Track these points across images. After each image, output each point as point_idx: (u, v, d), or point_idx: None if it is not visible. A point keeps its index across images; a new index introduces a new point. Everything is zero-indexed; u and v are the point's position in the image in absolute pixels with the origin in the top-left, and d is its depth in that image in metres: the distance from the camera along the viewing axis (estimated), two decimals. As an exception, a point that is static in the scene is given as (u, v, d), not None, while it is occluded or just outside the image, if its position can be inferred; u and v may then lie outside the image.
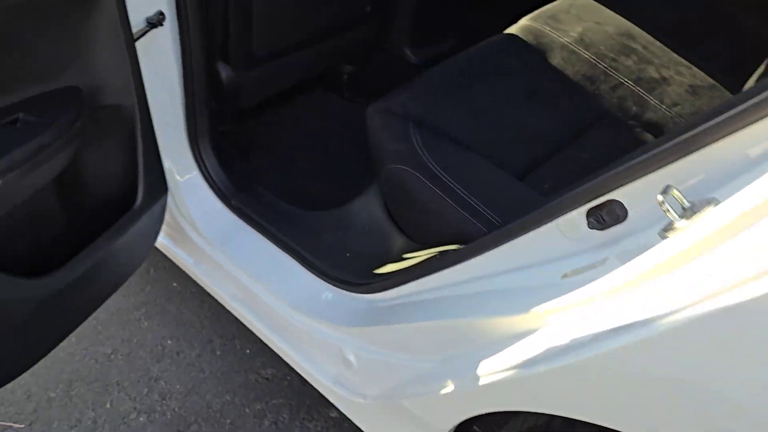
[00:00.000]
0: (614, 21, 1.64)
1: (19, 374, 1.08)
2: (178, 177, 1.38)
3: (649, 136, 1.38)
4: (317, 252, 1.33)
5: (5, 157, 0.84)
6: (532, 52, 1.49)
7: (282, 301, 1.32)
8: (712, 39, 1.65)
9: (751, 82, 1.45)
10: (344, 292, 1.26)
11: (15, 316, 1.01)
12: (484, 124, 1.33)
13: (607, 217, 0.74)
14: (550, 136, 1.34)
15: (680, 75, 1.53)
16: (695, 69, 1.54)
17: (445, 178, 1.16)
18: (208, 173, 1.40)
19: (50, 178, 0.95)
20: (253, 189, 1.46)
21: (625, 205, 0.73)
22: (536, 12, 1.65)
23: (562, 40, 1.55)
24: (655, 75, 1.52)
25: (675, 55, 1.58)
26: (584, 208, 0.76)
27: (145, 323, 1.70)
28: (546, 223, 0.81)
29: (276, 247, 1.35)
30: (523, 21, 1.60)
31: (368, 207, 1.41)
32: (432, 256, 1.09)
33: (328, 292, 1.29)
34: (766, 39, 1.66)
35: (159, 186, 1.24)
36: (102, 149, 1.12)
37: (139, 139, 1.12)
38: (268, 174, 1.60)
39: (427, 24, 1.90)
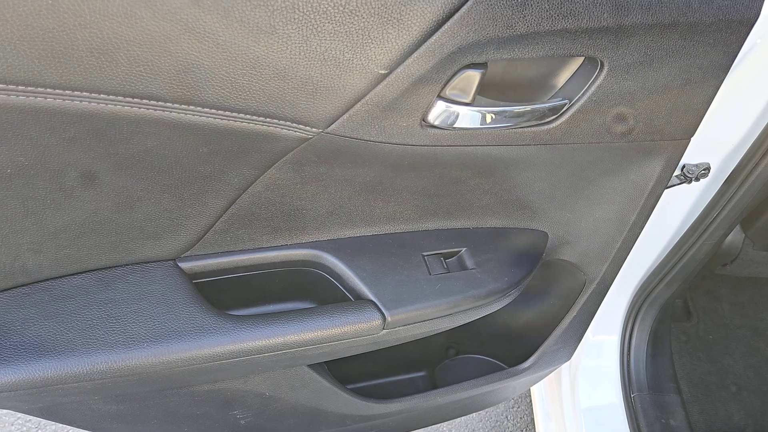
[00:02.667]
0: None
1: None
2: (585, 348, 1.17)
3: None
4: None
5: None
6: None
7: None
8: None
9: None
10: None
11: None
12: None
13: None
14: None
15: None
16: None
17: None
18: (627, 360, 1.16)
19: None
20: (666, 397, 1.16)
21: None
22: None
23: None
24: None
25: None
26: None
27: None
28: None
29: None
30: None
31: None
32: None
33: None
34: None
35: (563, 356, 1.10)
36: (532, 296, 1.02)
37: (576, 308, 1.00)
38: (703, 393, 1.28)
39: None
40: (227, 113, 0.57)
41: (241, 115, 0.57)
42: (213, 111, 0.56)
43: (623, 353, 1.18)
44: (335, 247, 0.78)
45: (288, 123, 0.59)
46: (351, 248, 0.78)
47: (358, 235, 0.79)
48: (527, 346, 1.05)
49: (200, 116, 0.56)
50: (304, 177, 0.68)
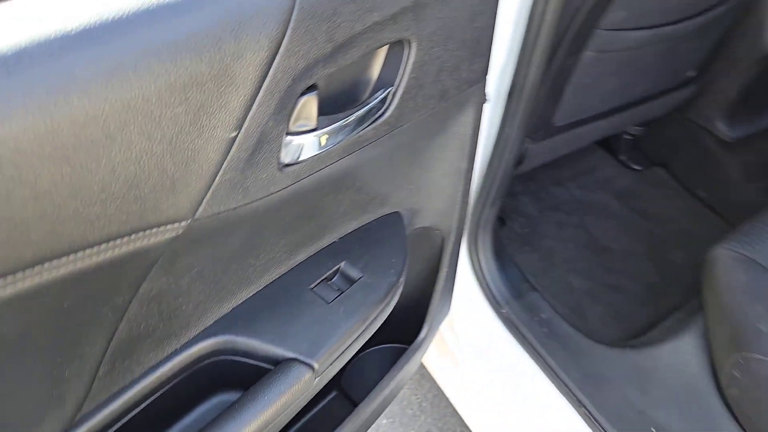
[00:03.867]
0: None
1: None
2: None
3: None
4: (610, 413, 1.05)
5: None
6: None
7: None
8: None
9: None
10: None
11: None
12: None
13: None
14: None
15: None
16: None
17: None
18: (480, 270, 1.20)
19: None
20: (528, 298, 1.24)
21: None
22: None
23: None
24: None
25: None
26: None
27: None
28: None
29: (554, 387, 1.10)
30: None
31: (682, 364, 1.10)
32: None
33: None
34: None
35: (445, 311, 1.11)
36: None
37: (444, 270, 1.02)
38: (544, 277, 1.43)
39: (755, 98, 1.59)
40: (87, 251, 0.48)
41: (103, 245, 0.49)
42: (71, 257, 0.47)
43: (480, 279, 1.26)
44: (226, 325, 0.71)
45: (155, 229, 0.52)
46: (242, 318, 0.73)
47: (241, 301, 0.73)
48: (417, 318, 1.08)
49: (58, 270, 0.47)
50: (176, 275, 0.61)
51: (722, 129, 1.64)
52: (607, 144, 1.75)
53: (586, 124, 1.39)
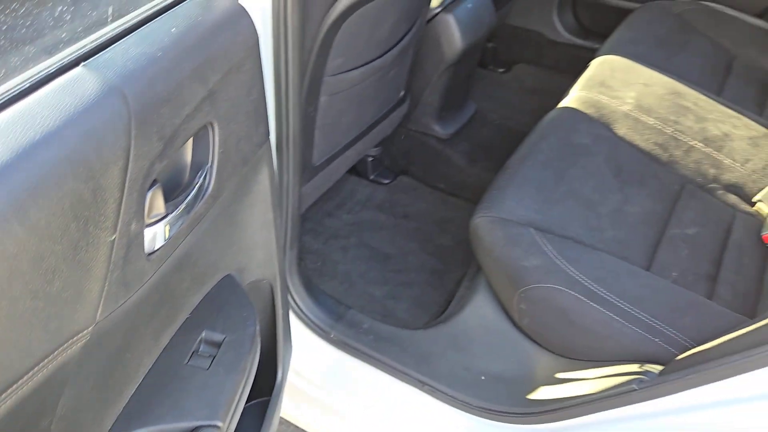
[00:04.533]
0: (659, 80, 1.67)
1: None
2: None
3: (734, 198, 1.41)
4: (446, 379, 1.17)
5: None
6: (600, 126, 1.47)
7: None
8: (740, 84, 1.76)
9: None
10: (500, 424, 1.12)
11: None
12: (593, 216, 1.28)
13: None
14: (651, 217, 1.32)
15: (736, 128, 1.57)
16: (744, 118, 1.61)
17: (603, 293, 1.11)
18: (299, 308, 1.24)
19: None
20: (347, 316, 1.31)
21: None
22: (583, 81, 1.65)
23: (622, 108, 1.54)
24: (717, 132, 1.55)
25: (723, 107, 1.64)
26: None
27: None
28: None
29: (397, 380, 1.19)
30: (577, 92, 1.58)
31: (482, 318, 1.26)
32: (625, 382, 1.00)
33: (478, 426, 1.14)
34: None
35: (290, 356, 1.16)
36: None
37: (280, 312, 1.05)
38: (350, 295, 1.56)
39: (453, 99, 1.99)
40: (21, 380, 0.51)
41: (34, 369, 0.52)
42: (8, 390, 0.50)
43: (302, 316, 1.37)
44: (125, 426, 0.74)
45: (71, 340, 0.56)
46: (135, 414, 0.76)
47: (127, 399, 0.76)
48: (270, 367, 1.16)
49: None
50: (79, 387, 0.63)
51: (438, 130, 1.99)
52: (356, 170, 2.00)
53: (337, 157, 1.58)
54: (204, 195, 0.78)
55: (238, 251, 0.97)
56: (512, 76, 2.44)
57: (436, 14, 1.78)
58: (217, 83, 0.73)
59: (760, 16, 2.17)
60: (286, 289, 1.15)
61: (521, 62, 2.49)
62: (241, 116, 0.82)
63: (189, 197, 0.75)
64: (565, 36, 2.44)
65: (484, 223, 1.28)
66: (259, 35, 0.82)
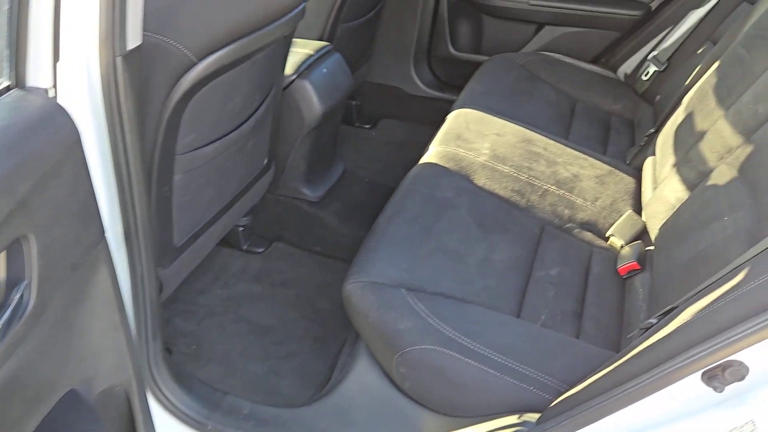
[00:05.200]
0: (510, 129, 1.76)
1: None
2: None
3: (589, 235, 1.51)
4: None
5: None
6: (460, 178, 1.52)
7: None
8: (583, 125, 1.89)
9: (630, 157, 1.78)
10: None
11: None
12: (462, 269, 1.31)
13: (730, 377, 0.75)
14: (517, 263, 1.37)
15: (584, 168, 1.68)
16: (590, 159, 1.71)
17: (475, 347, 1.12)
18: (170, 402, 1.15)
19: None
20: (225, 403, 1.25)
21: (746, 363, 0.75)
22: (441, 135, 1.72)
23: (479, 160, 1.60)
24: (567, 174, 1.64)
25: (571, 150, 1.74)
26: (699, 372, 0.78)
27: None
28: (658, 390, 0.82)
29: None
30: (436, 147, 1.62)
31: (365, 385, 1.25)
32: None
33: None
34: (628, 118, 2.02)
35: None
36: None
37: (140, 418, 1.02)
38: (229, 378, 1.51)
39: (320, 160, 1.99)
40: None
41: None
42: None
43: (175, 411, 1.28)
44: None
45: None
46: None
47: None
48: None
49: None
50: None
51: (308, 193, 1.98)
52: (228, 241, 1.93)
53: (202, 234, 1.52)
54: (23, 314, 0.71)
55: (81, 361, 0.89)
56: (378, 132, 2.49)
57: (292, 81, 1.78)
58: (30, 191, 0.68)
59: (593, 62, 2.38)
60: (144, 392, 1.07)
61: (386, 117, 2.55)
62: (66, 220, 0.76)
63: (2, 319, 0.67)
64: (424, 90, 2.53)
65: (355, 289, 1.26)
66: (87, 128, 0.77)
